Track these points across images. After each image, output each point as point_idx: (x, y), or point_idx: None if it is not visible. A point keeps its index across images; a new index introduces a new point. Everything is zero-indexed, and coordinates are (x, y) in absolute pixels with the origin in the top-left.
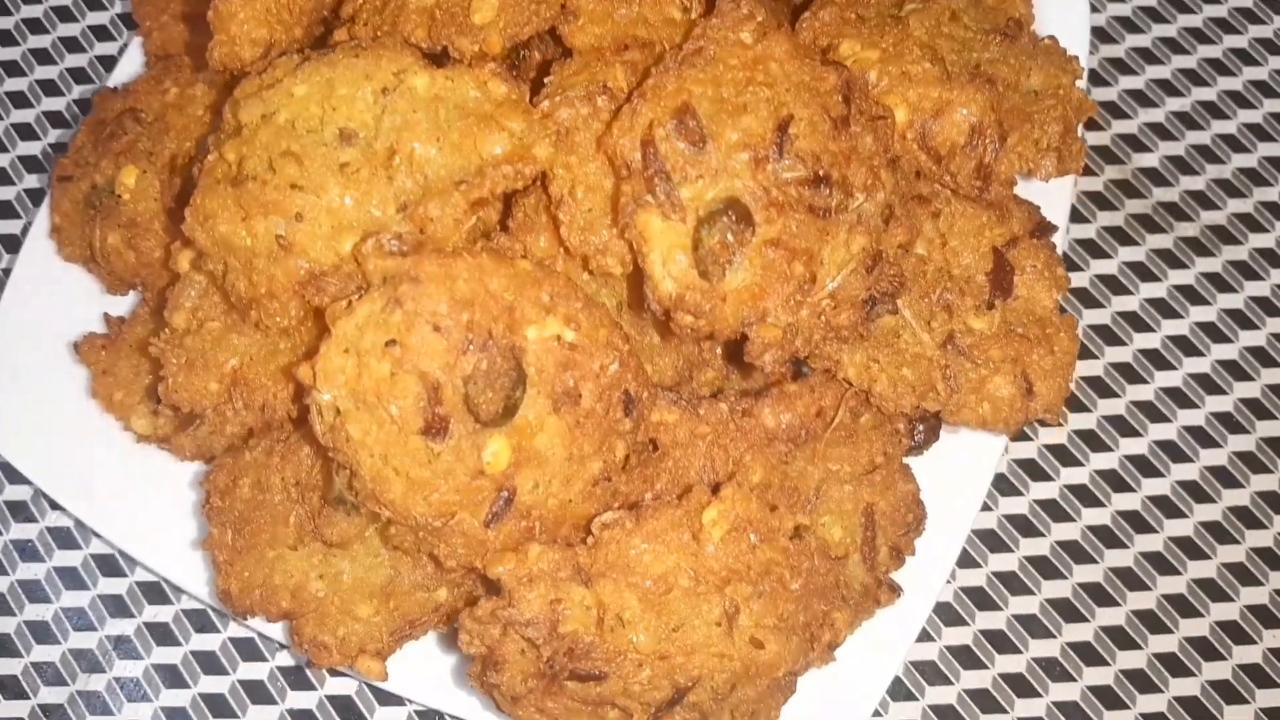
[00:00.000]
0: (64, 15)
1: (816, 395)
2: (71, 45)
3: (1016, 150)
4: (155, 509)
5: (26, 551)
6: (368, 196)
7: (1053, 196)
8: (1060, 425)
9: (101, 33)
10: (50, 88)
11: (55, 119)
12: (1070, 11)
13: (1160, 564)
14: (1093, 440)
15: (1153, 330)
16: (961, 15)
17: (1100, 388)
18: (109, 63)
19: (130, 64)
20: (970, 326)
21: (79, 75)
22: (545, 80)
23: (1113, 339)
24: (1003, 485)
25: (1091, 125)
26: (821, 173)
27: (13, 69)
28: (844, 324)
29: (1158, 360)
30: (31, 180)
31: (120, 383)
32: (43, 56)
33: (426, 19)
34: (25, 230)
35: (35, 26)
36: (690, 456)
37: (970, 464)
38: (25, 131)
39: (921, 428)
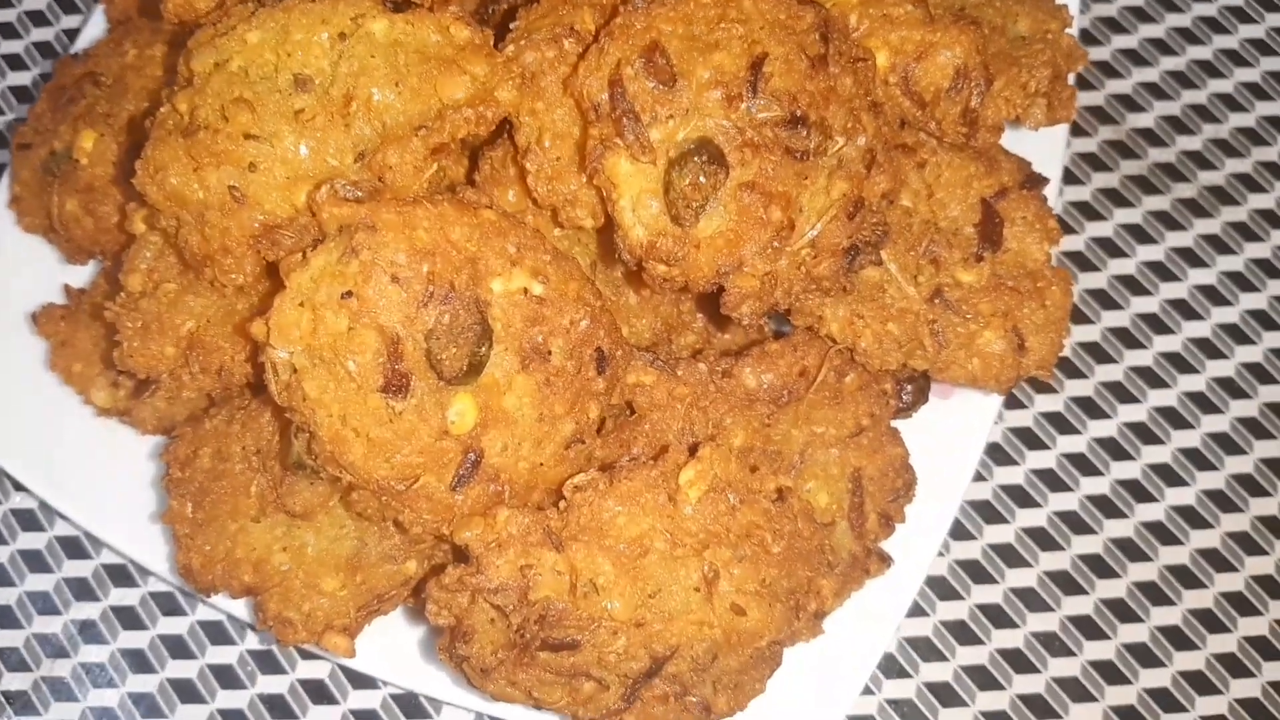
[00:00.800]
0: None
1: (799, 354)
2: (37, 19)
3: (1004, 95)
4: (116, 484)
5: None
6: (324, 145)
7: (1045, 153)
8: (1054, 385)
9: (68, 5)
10: (15, 62)
11: (20, 94)
12: None
13: (1162, 534)
14: (1090, 407)
15: (1150, 294)
16: None
17: (1098, 353)
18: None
19: (94, 31)
20: (958, 280)
21: (45, 49)
22: (510, 27)
23: (1109, 303)
24: (998, 455)
25: (1084, 85)
26: (798, 113)
27: None
28: (825, 274)
29: (1156, 325)
30: None
31: (79, 354)
32: (7, 30)
33: None
34: None
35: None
36: (668, 419)
37: (962, 427)
38: None
39: (909, 388)
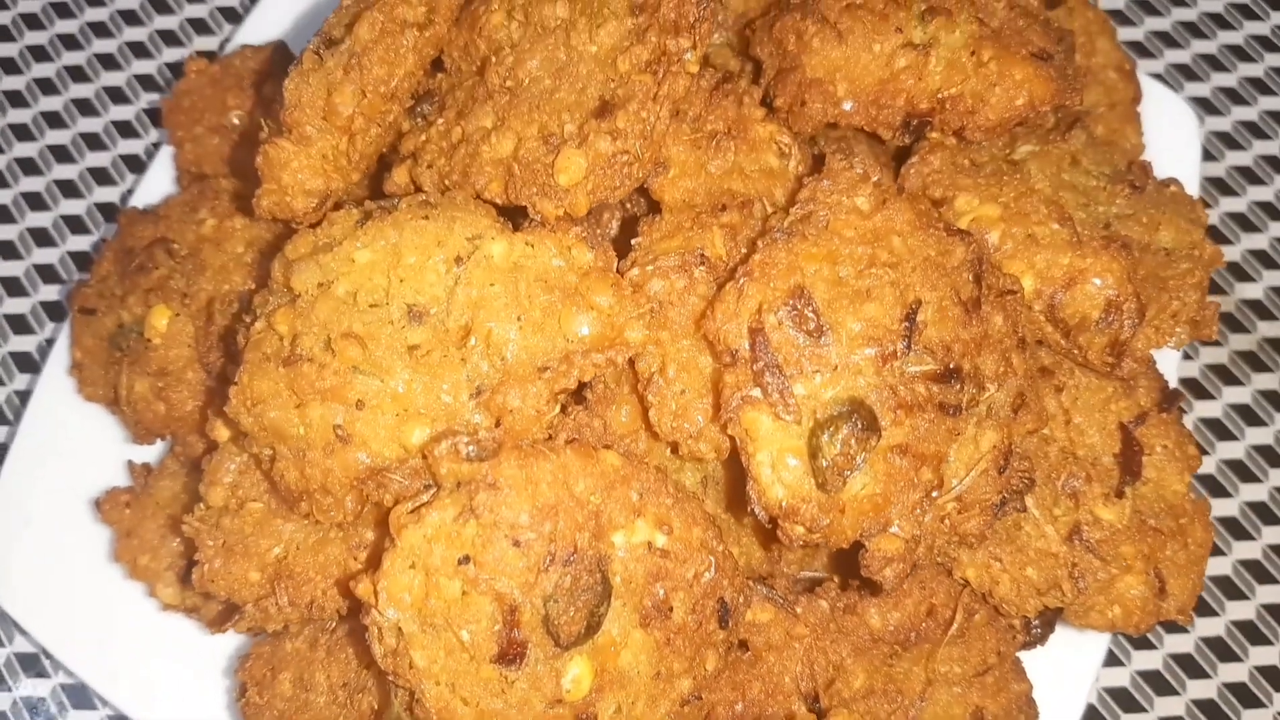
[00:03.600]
0: (85, 109)
1: (927, 592)
2: (93, 142)
3: (1154, 324)
4: (183, 689)
5: (38, 711)
6: (438, 380)
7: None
8: (1190, 624)
9: (126, 129)
10: (69, 188)
11: (74, 224)
12: (1178, 133)
13: None
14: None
15: (1260, 481)
16: (1081, 158)
17: None
18: (134, 163)
19: (159, 178)
20: (1098, 517)
21: (100, 176)
22: (632, 241)
23: (1218, 489)
24: (1128, 701)
25: None
26: (952, 365)
27: (29, 167)
28: (972, 530)
29: (1266, 514)
30: (50, 291)
31: (145, 546)
32: (61, 154)
33: (502, 172)
34: (41, 348)
35: (54, 120)
36: (786, 661)
37: (1077, 651)
38: (42, 237)
39: (1038, 622)
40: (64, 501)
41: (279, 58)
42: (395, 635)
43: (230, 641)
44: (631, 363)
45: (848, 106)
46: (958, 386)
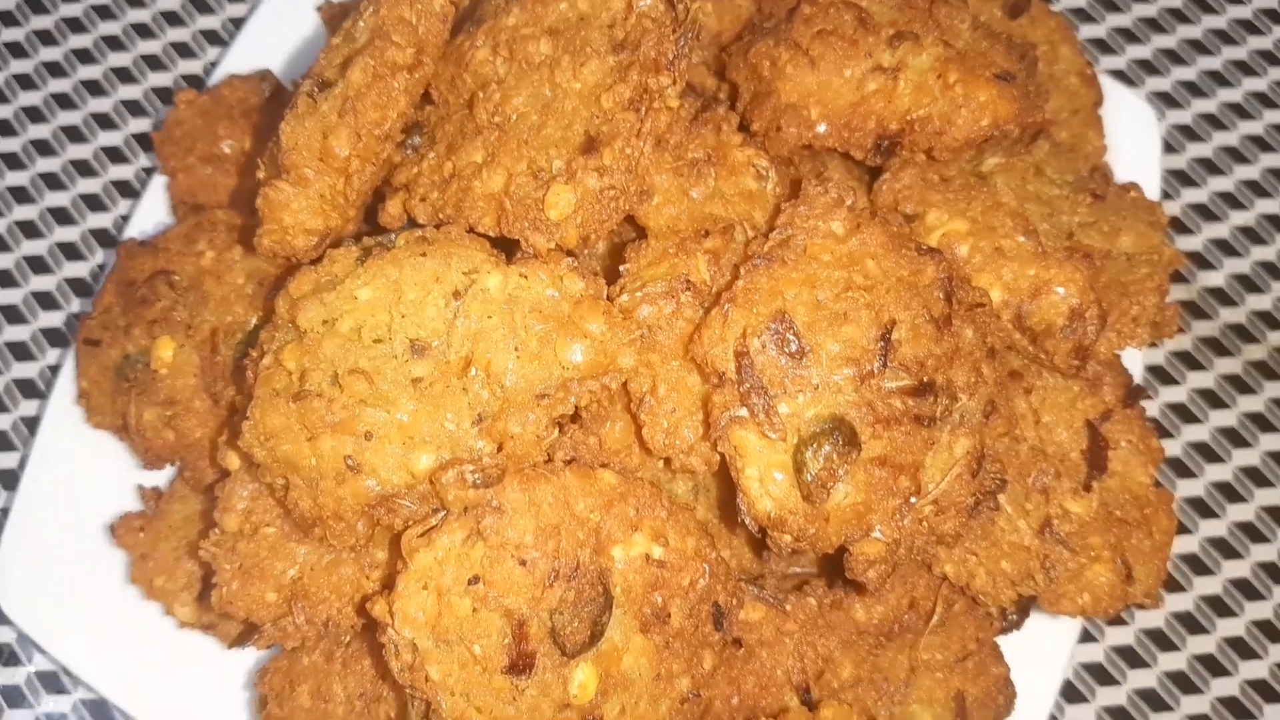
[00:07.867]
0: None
1: (908, 586)
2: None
3: (1115, 328)
4: (203, 702)
5: None
6: (441, 410)
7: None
8: (1158, 607)
9: (125, 188)
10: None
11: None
12: (1139, 131)
13: None
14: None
15: (1224, 461)
16: (1045, 168)
17: None
18: (125, 188)
19: (153, 206)
20: (1067, 509)
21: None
22: (620, 268)
23: (1184, 471)
24: (1101, 675)
25: None
26: (926, 379)
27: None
28: (949, 531)
29: (1230, 493)
30: (49, 318)
31: (161, 567)
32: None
33: (494, 206)
34: (44, 375)
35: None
36: (777, 655)
37: (1051, 634)
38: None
39: (1013, 610)
40: (79, 526)
41: (267, 88)
42: (411, 651)
43: (249, 655)
44: (624, 384)
45: (821, 129)
46: (932, 399)
